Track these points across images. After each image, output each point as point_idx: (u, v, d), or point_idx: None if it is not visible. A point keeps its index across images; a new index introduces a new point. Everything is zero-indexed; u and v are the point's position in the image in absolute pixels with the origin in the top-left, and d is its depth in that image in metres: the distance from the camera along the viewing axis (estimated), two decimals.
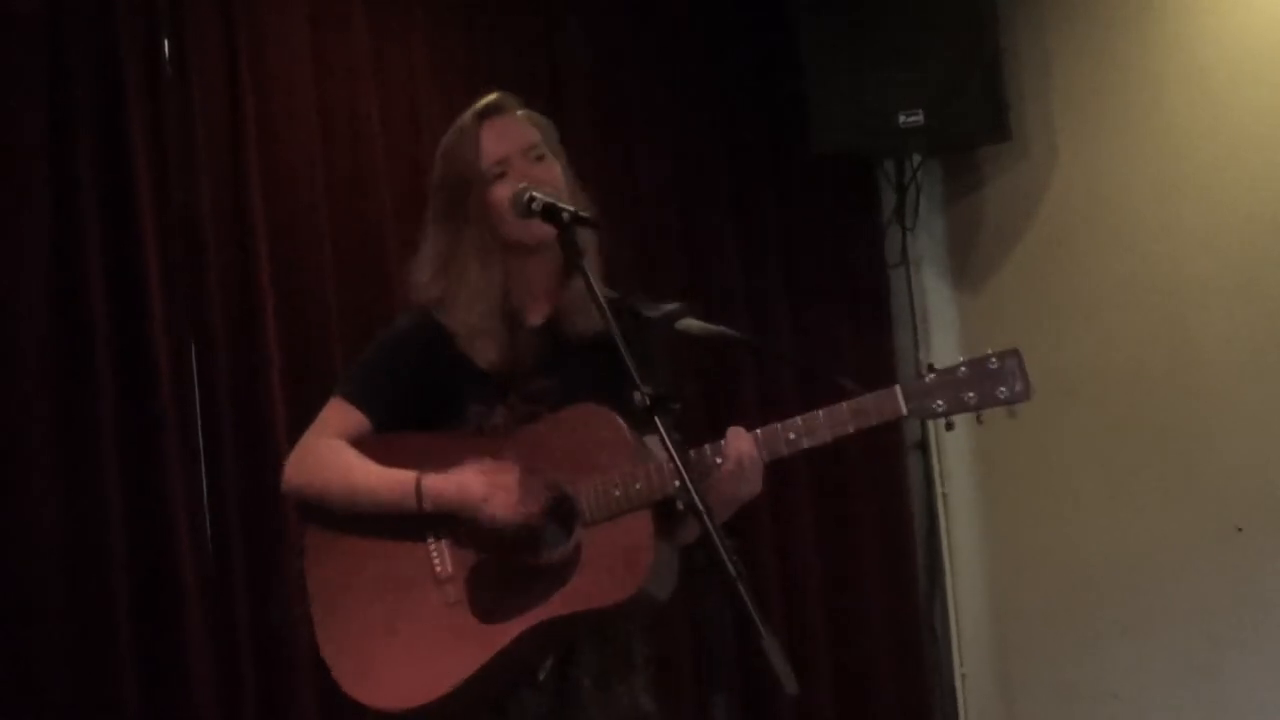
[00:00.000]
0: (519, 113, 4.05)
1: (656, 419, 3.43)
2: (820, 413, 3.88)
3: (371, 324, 5.44)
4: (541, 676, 3.91)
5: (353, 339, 5.56)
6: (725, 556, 3.16)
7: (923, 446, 6.99)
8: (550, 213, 3.71)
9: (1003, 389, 3.90)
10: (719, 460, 3.85)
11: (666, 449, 3.44)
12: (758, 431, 3.89)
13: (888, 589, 6.84)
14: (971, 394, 3.87)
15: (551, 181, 3.92)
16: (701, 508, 3.28)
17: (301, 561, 4.01)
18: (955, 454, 6.98)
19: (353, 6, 5.96)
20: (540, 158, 3.98)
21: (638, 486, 3.79)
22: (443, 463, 3.90)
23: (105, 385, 5.26)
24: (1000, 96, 6.39)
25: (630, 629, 4.02)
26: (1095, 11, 6.36)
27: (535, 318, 4.05)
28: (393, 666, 3.88)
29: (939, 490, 6.96)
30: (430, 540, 3.92)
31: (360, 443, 3.98)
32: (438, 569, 3.90)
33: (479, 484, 3.82)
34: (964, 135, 6.59)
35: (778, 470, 6.22)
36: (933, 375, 3.92)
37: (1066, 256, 6.54)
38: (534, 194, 3.76)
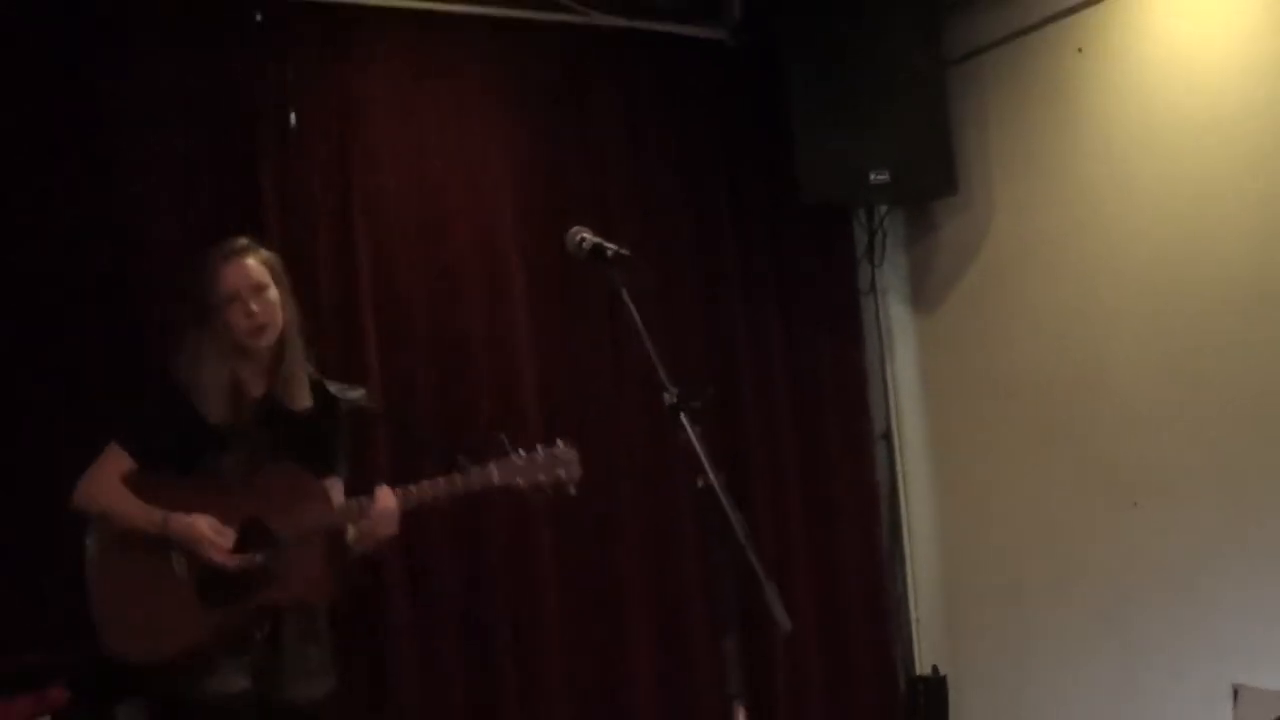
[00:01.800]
0: (250, 259, 4.64)
1: (682, 416, 3.74)
2: (441, 479, 4.69)
3: (450, 337, 5.91)
4: (258, 637, 4.60)
5: (434, 346, 6.00)
6: (734, 521, 3.55)
7: (887, 437, 7.15)
8: (597, 250, 4.07)
9: (562, 470, 4.71)
10: (372, 506, 4.61)
11: (689, 437, 3.72)
12: (398, 490, 4.66)
13: (859, 548, 7.00)
14: (542, 474, 4.68)
15: (272, 314, 4.61)
16: (718, 489, 3.61)
17: (86, 554, 4.55)
18: (914, 443, 7.17)
19: (437, 77, 6.17)
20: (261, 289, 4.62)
21: (313, 522, 4.58)
22: (186, 503, 4.50)
23: None
24: (950, 160, 6.57)
25: (318, 608, 4.73)
26: (1023, 93, 6.46)
27: (255, 391, 4.69)
28: (141, 634, 4.48)
29: (900, 470, 7.14)
30: (172, 551, 4.51)
31: (128, 479, 4.55)
32: (176, 570, 4.50)
33: (204, 536, 4.46)
34: (921, 190, 6.74)
35: (774, 458, 6.60)
36: (522, 456, 4.69)
37: (1002, 287, 6.66)
38: (584, 235, 4.12)
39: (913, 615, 7.14)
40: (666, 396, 3.78)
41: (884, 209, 7.06)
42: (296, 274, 5.43)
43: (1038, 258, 6.49)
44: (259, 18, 5.73)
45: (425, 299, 6.03)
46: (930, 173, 6.60)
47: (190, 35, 5.64)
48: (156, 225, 5.53)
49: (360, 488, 4.78)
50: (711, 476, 3.65)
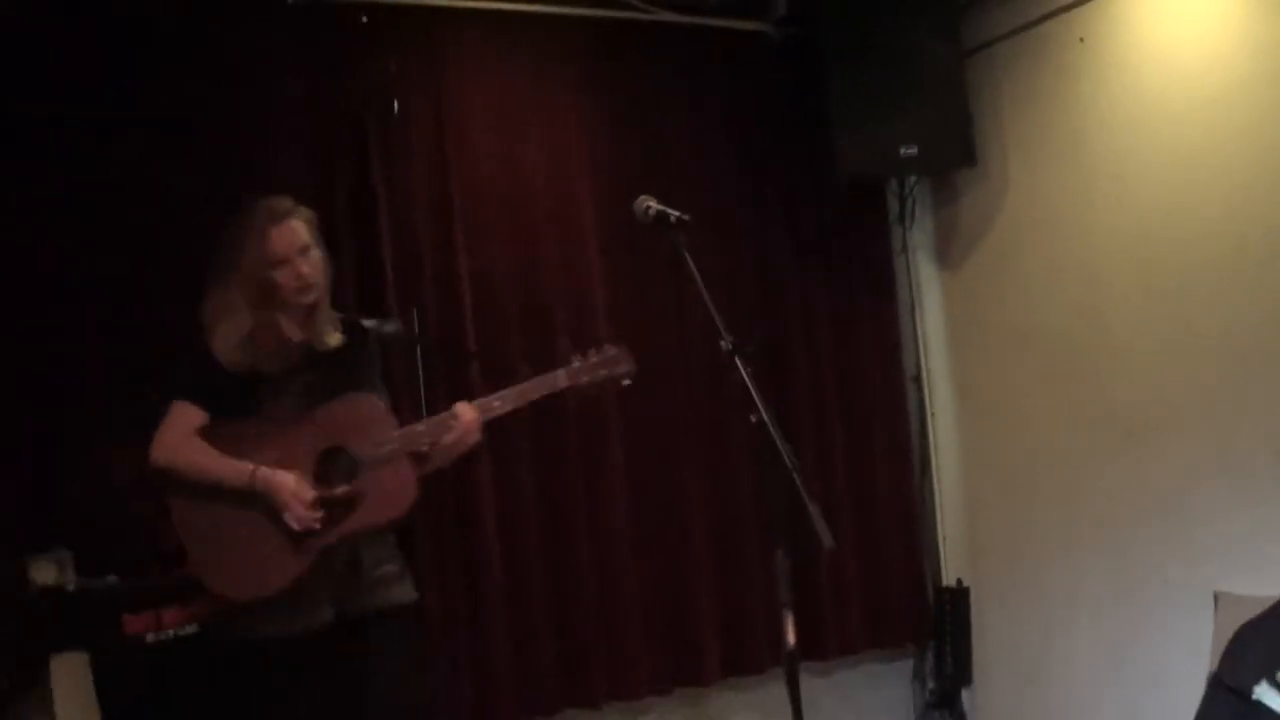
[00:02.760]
0: (295, 220, 4.53)
1: (736, 359, 3.95)
2: (511, 389, 4.70)
3: (535, 301, 5.99)
4: (337, 567, 4.51)
5: (523, 316, 6.14)
6: (783, 451, 3.74)
7: (917, 379, 7.22)
8: (661, 217, 4.21)
9: (617, 367, 4.73)
10: (457, 420, 4.60)
11: (744, 377, 3.92)
12: (475, 403, 4.65)
13: (893, 475, 7.13)
14: (603, 371, 4.70)
15: (318, 273, 4.54)
16: (769, 423, 3.79)
17: (172, 513, 4.47)
18: (940, 384, 7.24)
19: (520, 68, 6.30)
20: (307, 249, 4.53)
21: (392, 447, 4.52)
22: (264, 443, 4.44)
23: None
24: (969, 136, 6.63)
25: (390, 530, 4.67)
26: (1032, 78, 6.52)
27: (295, 336, 4.56)
28: (241, 571, 4.41)
29: (929, 409, 7.21)
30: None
31: (201, 433, 4.44)
32: (266, 511, 4.40)
33: (286, 494, 4.38)
34: (944, 162, 6.79)
35: (817, 396, 6.77)
36: (580, 360, 4.72)
37: (1017, 247, 6.72)
38: (649, 204, 4.26)
39: (940, 533, 7.24)
40: (723, 343, 3.98)
41: (913, 179, 7.11)
42: (401, 248, 5.79)
43: (1047, 221, 6.53)
44: (364, 19, 5.87)
45: (512, 266, 6.15)
46: (952, 147, 6.64)
47: (306, 36, 5.81)
48: (287, 194, 5.54)
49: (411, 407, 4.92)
50: (763, 412, 3.83)
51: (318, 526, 4.41)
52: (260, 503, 4.39)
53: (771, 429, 3.80)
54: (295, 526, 4.38)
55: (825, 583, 6.79)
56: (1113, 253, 6.20)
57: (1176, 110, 5.82)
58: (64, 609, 4.96)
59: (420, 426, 4.64)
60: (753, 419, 3.88)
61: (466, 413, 4.64)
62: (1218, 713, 4.68)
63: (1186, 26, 5.74)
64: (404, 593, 4.69)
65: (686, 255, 4.12)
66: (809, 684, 4.01)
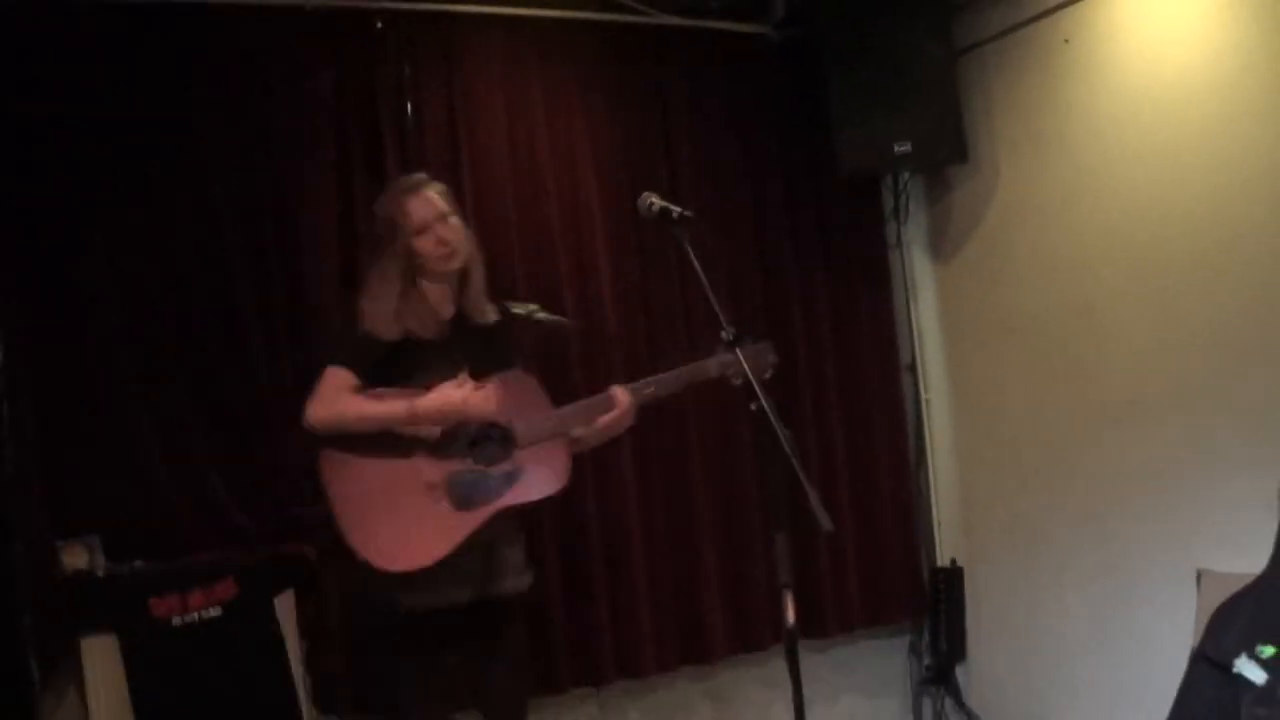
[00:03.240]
0: (430, 190, 4.57)
1: (737, 350, 4.01)
2: (665, 375, 4.60)
3: (541, 293, 5.74)
4: (479, 548, 4.41)
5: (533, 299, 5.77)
6: (783, 438, 3.73)
7: (912, 367, 7.20)
8: (664, 213, 4.20)
9: (762, 359, 4.49)
10: (613, 403, 4.52)
11: (745, 369, 3.96)
12: (629, 386, 4.56)
13: (890, 460, 7.13)
14: (749, 363, 4.26)
15: (459, 238, 4.54)
16: (769, 410, 3.80)
17: (320, 477, 4.33)
18: (934, 372, 7.23)
19: (530, 71, 6.29)
20: (445, 215, 4.53)
21: (548, 428, 4.44)
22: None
23: None
24: (960, 133, 6.60)
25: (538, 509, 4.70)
26: (1020, 77, 6.52)
27: (445, 313, 4.57)
28: (399, 543, 4.26)
29: (924, 396, 7.22)
30: (417, 456, 4.35)
31: (356, 391, 4.33)
32: (426, 478, 4.34)
33: (457, 393, 4.29)
34: (937, 159, 6.76)
35: (816, 384, 6.74)
36: (732, 352, 4.30)
37: (1007, 240, 6.72)
38: (653, 200, 4.26)
39: (934, 515, 7.25)
40: (724, 334, 4.04)
41: (907, 175, 7.11)
42: None
43: (1035, 215, 6.55)
44: (379, 25, 5.89)
45: (525, 262, 6.12)
46: (945, 144, 6.62)
47: (323, 40, 5.83)
48: (303, 203, 5.73)
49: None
50: (763, 400, 3.84)
51: (489, 403, 4.36)
52: (422, 468, 4.35)
53: (771, 416, 3.79)
54: (473, 406, 4.32)
55: (825, 563, 6.80)
56: (1099, 246, 6.20)
57: (1159, 108, 5.82)
58: (93, 593, 5.00)
59: (573, 408, 4.58)
60: (753, 407, 3.88)
61: (622, 396, 4.57)
62: (1200, 686, 4.69)
63: (1168, 28, 5.75)
64: (525, 580, 4.67)
65: (689, 249, 4.12)
66: (809, 660, 4.04)
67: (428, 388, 4.34)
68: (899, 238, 7.23)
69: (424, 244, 4.49)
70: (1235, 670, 4.41)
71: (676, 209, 4.21)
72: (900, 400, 7.27)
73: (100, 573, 5.05)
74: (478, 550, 4.41)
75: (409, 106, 5.96)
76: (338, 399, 4.31)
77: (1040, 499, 6.66)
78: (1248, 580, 4.67)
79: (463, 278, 4.61)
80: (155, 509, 5.28)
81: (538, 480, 4.46)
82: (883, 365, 7.24)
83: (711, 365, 4.52)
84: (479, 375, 4.41)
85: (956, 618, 7.12)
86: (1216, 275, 5.63)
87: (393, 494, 4.30)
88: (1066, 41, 6.25)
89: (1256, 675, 4.35)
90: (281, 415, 5.49)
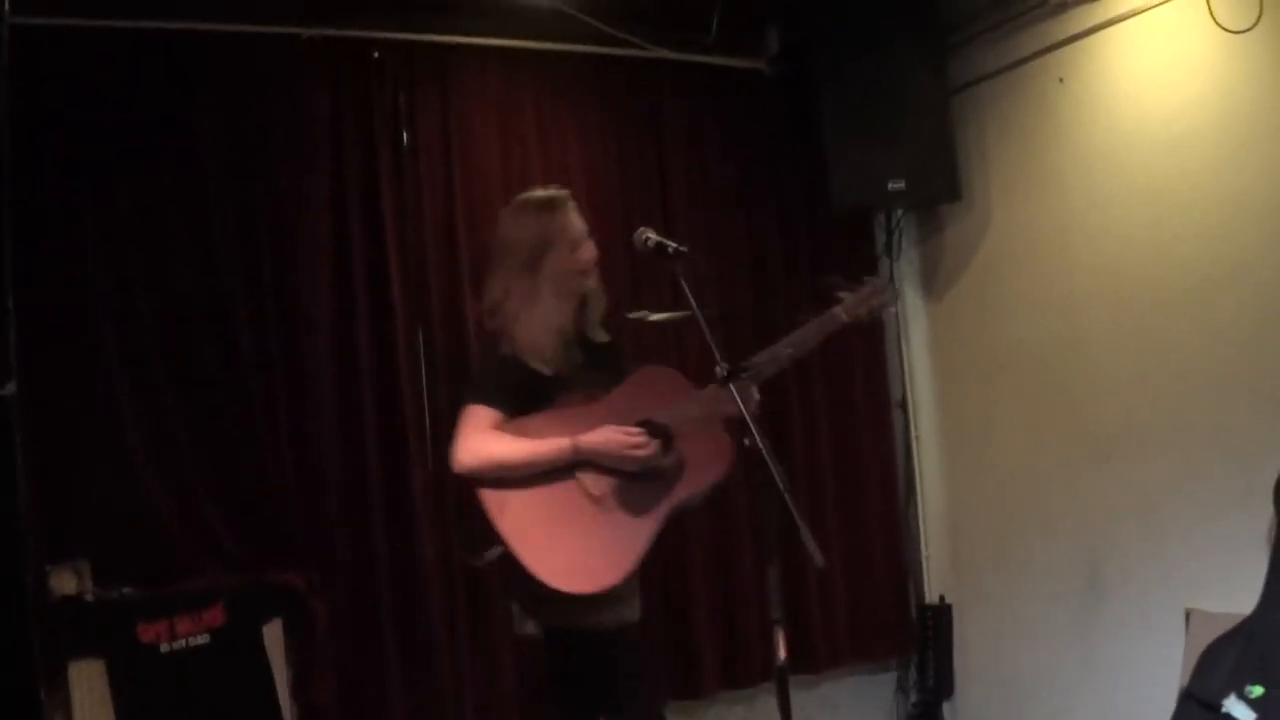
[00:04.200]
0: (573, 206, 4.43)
1: (730, 385, 3.93)
2: (784, 339, 4.44)
3: None
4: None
5: None
6: (776, 474, 3.68)
7: (903, 404, 7.22)
8: (659, 248, 4.18)
9: (881, 296, 4.57)
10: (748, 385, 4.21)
11: (738, 403, 3.87)
12: (751, 359, 4.30)
13: (879, 496, 7.14)
14: (875, 301, 4.54)
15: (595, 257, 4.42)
16: (761, 446, 3.74)
17: (486, 518, 4.11)
18: (925, 408, 7.23)
19: (525, 102, 6.31)
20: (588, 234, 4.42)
21: (698, 412, 4.26)
22: (565, 429, 4.17)
23: (364, 355, 5.81)
24: (954, 171, 6.64)
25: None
26: (1014, 116, 6.54)
27: (570, 333, 4.41)
28: (586, 564, 4.09)
29: (913, 431, 7.24)
30: (578, 476, 4.19)
31: (500, 428, 4.16)
32: (593, 492, 4.19)
33: (621, 436, 4.17)
34: (930, 196, 6.79)
35: (808, 421, 6.75)
36: (852, 293, 4.51)
37: (998, 278, 6.74)
38: (648, 235, 4.25)
39: (923, 552, 7.27)
40: (719, 370, 3.97)
41: (900, 212, 7.14)
42: (409, 270, 5.84)
43: (1027, 253, 6.58)
44: (375, 54, 5.94)
45: None
46: (938, 182, 6.65)
47: (321, 69, 5.88)
48: (301, 224, 5.77)
49: None
50: (757, 436, 3.79)
51: (654, 451, 4.23)
52: (586, 486, 4.22)
53: (765, 453, 3.77)
54: (639, 455, 4.21)
55: (814, 599, 6.80)
56: (1090, 284, 6.22)
57: (1149, 148, 5.86)
58: (82, 618, 4.99)
59: (709, 390, 4.30)
60: (746, 443, 3.86)
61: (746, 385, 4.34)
62: None
63: (1160, 70, 5.78)
64: (639, 609, 4.50)
65: (684, 284, 4.09)
66: (797, 696, 3.99)
67: (570, 405, 4.30)
68: (891, 274, 7.18)
69: (583, 253, 4.40)
70: (1224, 710, 4.42)
71: (672, 244, 4.19)
72: (890, 436, 7.27)
73: (89, 597, 5.05)
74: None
75: (404, 134, 6.01)
76: (486, 442, 4.15)
77: (1029, 536, 6.64)
78: (1237, 620, 4.70)
79: (584, 296, 4.48)
80: (145, 533, 5.29)
81: (702, 467, 4.34)
82: (873, 401, 7.21)
83: (838, 314, 4.53)
84: (600, 393, 4.35)
85: (944, 655, 7.09)
86: (1207, 313, 5.65)
87: (563, 516, 4.17)
88: (1060, 81, 6.27)
89: (1245, 715, 4.36)
90: (274, 437, 5.58)
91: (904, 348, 7.29)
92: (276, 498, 5.54)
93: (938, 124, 6.62)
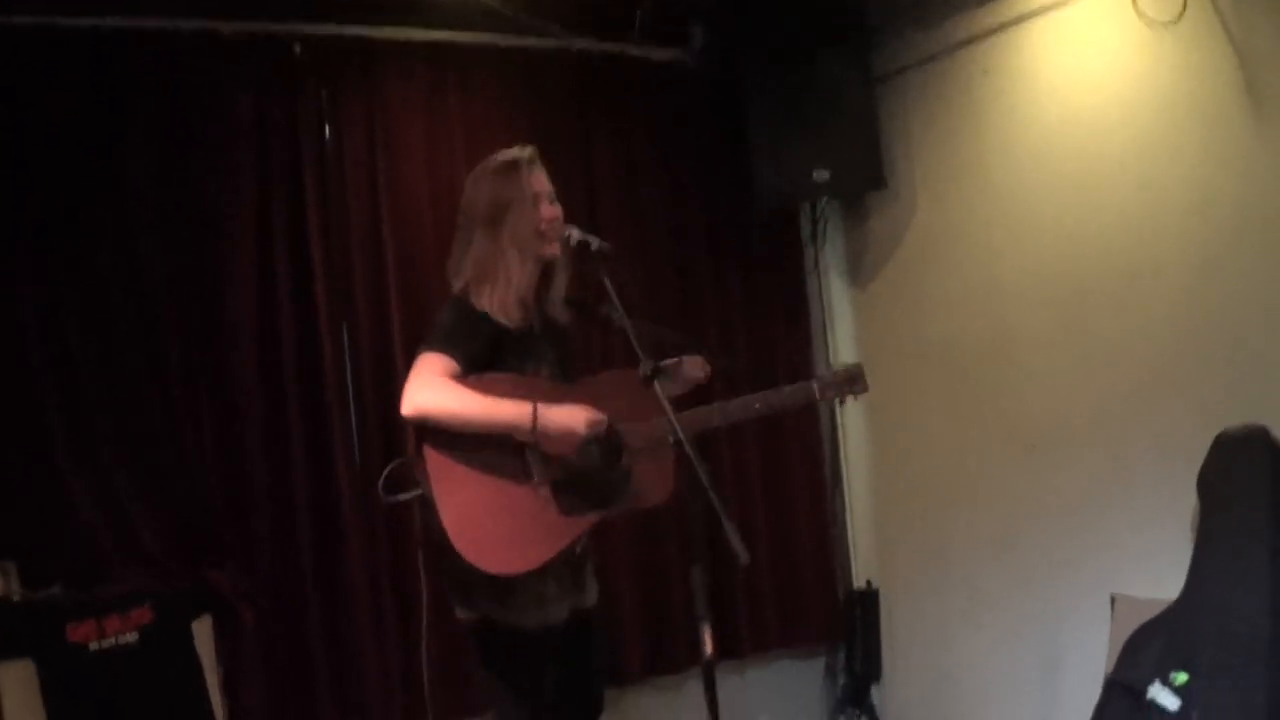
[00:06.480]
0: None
1: (655, 383, 3.89)
2: (765, 393, 4.49)
3: None
4: (578, 550, 4.32)
5: None
6: (700, 473, 3.70)
7: None
8: (583, 245, 4.20)
9: (854, 385, 4.63)
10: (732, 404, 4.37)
11: (661, 402, 3.88)
12: (718, 405, 4.38)
13: (806, 485, 7.14)
14: (846, 388, 4.62)
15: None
16: (688, 448, 3.76)
17: (425, 472, 4.06)
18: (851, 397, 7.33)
19: (450, 96, 6.27)
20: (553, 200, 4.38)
21: (662, 432, 4.04)
22: (529, 399, 4.09)
23: (289, 355, 5.74)
24: (879, 161, 6.67)
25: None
26: (938, 106, 6.60)
27: (532, 303, 4.35)
28: (502, 546, 4.06)
29: (839, 421, 7.26)
30: (526, 456, 4.12)
31: (458, 380, 4.06)
32: (535, 476, 4.13)
33: (584, 421, 4.12)
34: (855, 185, 6.82)
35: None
36: (828, 374, 4.62)
37: (923, 267, 6.78)
38: (572, 232, 4.25)
39: (850, 539, 7.32)
40: (642, 367, 3.93)
41: (825, 201, 7.16)
42: (334, 270, 5.80)
43: (952, 242, 6.63)
44: (297, 49, 5.87)
45: (441, 288, 5.74)
46: (863, 171, 6.69)
47: (242, 65, 5.80)
48: (225, 219, 5.70)
49: None
50: (680, 432, 3.80)
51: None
52: (532, 466, 4.15)
53: (689, 448, 3.77)
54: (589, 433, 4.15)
55: (741, 586, 6.79)
56: (1015, 273, 6.28)
57: (1075, 139, 5.92)
58: (9, 619, 4.94)
59: (693, 414, 4.32)
60: (670, 439, 3.88)
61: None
62: (1113, 711, 4.76)
63: (1084, 62, 5.84)
64: (596, 590, 4.57)
65: (607, 282, 4.07)
66: (724, 681, 3.99)
67: (534, 376, 4.27)
68: (816, 263, 7.27)
69: (543, 209, 4.34)
70: (1149, 696, 4.49)
71: (595, 241, 4.20)
72: (816, 425, 7.27)
73: (16, 598, 5.01)
74: (576, 559, 4.36)
75: (327, 129, 5.95)
76: (444, 388, 4.06)
77: (955, 523, 6.71)
78: (1162, 606, 4.77)
79: (547, 271, 4.42)
80: (72, 535, 5.24)
81: (644, 491, 4.31)
82: None
83: (813, 388, 4.63)
84: (565, 386, 4.32)
85: (872, 639, 7.14)
86: (1131, 302, 5.72)
87: (501, 498, 4.11)
88: (985, 73, 6.34)
89: (1170, 702, 4.42)
90: (198, 441, 5.53)
91: (830, 337, 7.32)
92: (202, 502, 5.50)
93: (862, 113, 6.66)
